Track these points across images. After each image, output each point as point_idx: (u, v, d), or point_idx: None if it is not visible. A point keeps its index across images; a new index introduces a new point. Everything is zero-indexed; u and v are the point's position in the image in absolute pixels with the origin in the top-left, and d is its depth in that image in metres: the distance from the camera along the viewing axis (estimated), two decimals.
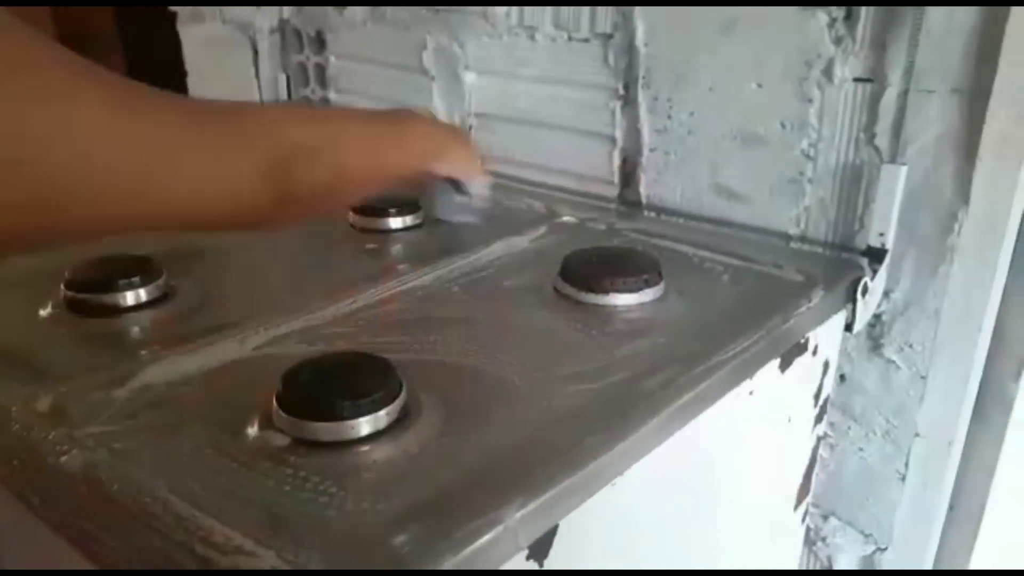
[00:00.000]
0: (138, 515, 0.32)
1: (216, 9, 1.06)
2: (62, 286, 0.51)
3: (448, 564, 0.30)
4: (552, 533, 0.34)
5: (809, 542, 0.69)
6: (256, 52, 1.04)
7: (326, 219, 0.56)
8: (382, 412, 0.38)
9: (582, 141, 0.76)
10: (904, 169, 0.57)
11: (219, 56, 1.09)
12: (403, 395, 0.39)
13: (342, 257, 0.64)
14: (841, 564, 0.69)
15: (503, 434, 0.39)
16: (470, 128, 0.85)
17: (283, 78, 1.01)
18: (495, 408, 0.41)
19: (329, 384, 0.38)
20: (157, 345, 0.47)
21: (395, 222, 0.68)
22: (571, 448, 0.36)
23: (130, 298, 0.52)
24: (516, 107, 0.80)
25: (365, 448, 0.37)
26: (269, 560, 0.29)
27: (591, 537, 0.37)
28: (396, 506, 0.33)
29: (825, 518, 0.68)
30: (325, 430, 0.37)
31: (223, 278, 0.59)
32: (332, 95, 0.98)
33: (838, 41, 0.59)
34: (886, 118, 0.58)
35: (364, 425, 0.37)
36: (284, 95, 1.02)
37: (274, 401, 0.38)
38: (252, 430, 0.38)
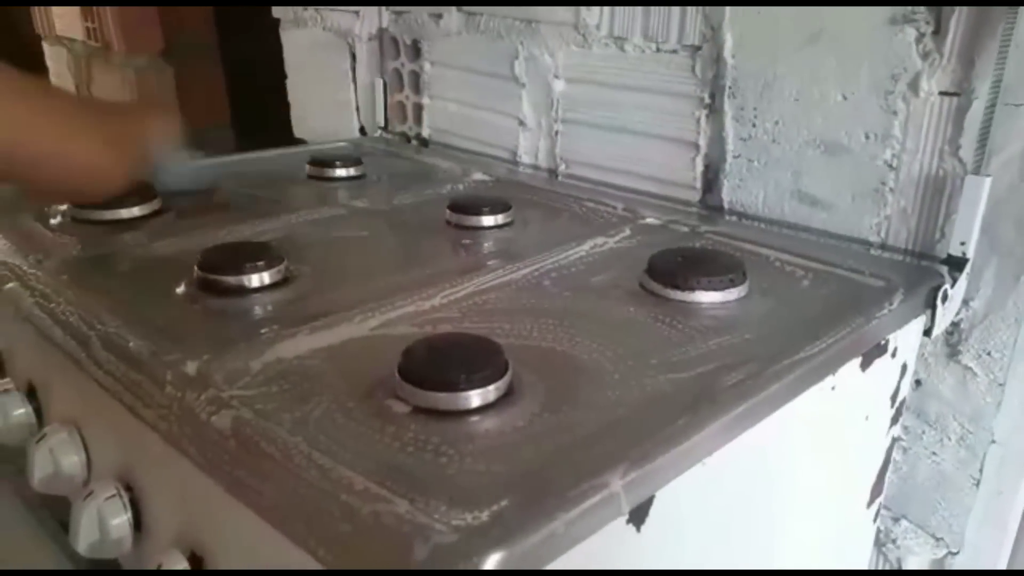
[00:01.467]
0: (285, 466, 0.37)
1: (317, 16, 1.12)
2: (195, 267, 0.57)
3: (559, 520, 0.33)
4: (649, 503, 0.38)
5: (879, 544, 0.71)
6: (354, 57, 1.10)
7: None
8: (491, 387, 0.42)
9: (666, 147, 0.79)
10: (988, 181, 0.59)
11: (318, 60, 1.16)
12: (509, 373, 0.43)
13: (441, 251, 0.68)
14: (911, 567, 0.70)
15: (599, 413, 0.42)
16: (556, 134, 0.89)
17: (380, 83, 1.06)
18: (590, 390, 0.45)
19: (445, 360, 0.43)
20: (279, 324, 0.51)
21: (488, 220, 0.72)
22: (666, 427, 0.40)
23: (255, 280, 0.57)
24: (602, 114, 0.84)
25: (476, 418, 0.41)
26: (403, 507, 0.33)
27: (682, 510, 0.40)
28: (508, 468, 0.37)
29: (896, 520, 0.70)
30: (443, 399, 0.41)
31: (336, 266, 0.64)
32: (425, 100, 1.03)
33: (925, 55, 0.61)
34: (971, 131, 0.59)
35: (476, 397, 0.41)
36: (380, 99, 1.07)
37: (396, 373, 0.42)
38: (375, 399, 0.42)
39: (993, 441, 0.63)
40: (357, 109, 1.14)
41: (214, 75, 1.67)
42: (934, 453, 0.66)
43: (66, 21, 1.78)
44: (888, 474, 0.66)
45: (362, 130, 1.14)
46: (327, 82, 1.15)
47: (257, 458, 0.38)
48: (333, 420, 0.41)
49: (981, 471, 0.64)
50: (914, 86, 0.62)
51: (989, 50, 0.57)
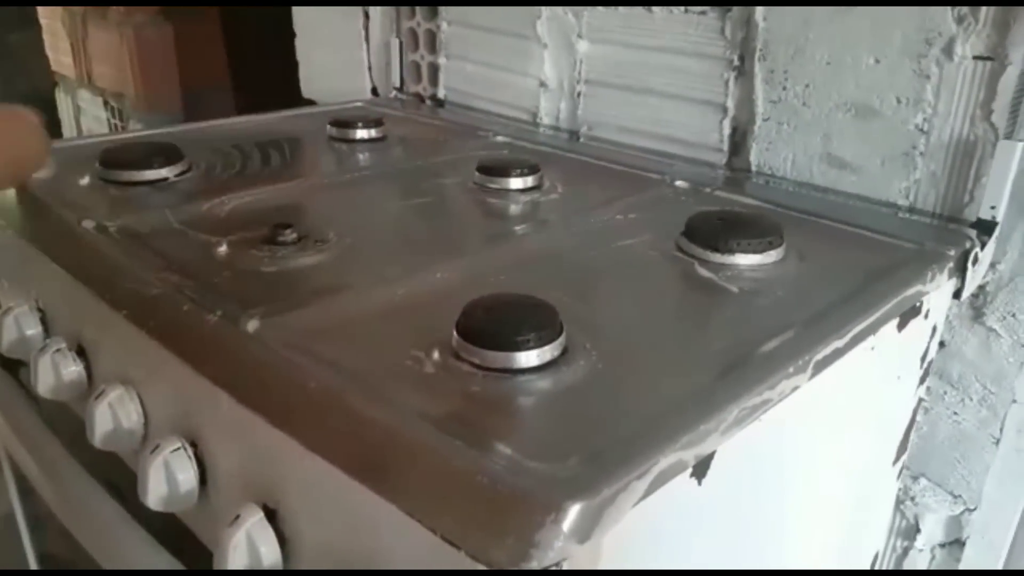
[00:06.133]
0: (361, 418, 0.38)
1: None
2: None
3: (633, 474, 0.34)
4: (710, 457, 0.39)
5: (898, 502, 0.73)
6: (367, 17, 1.08)
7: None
8: (547, 347, 0.42)
9: (693, 109, 0.79)
10: (1020, 145, 0.59)
11: (329, 20, 1.14)
12: (564, 334, 0.44)
13: (471, 215, 0.68)
14: (928, 524, 0.72)
15: (651, 373, 0.43)
16: (579, 95, 0.88)
17: (395, 43, 1.05)
18: (639, 351, 0.46)
19: (503, 320, 0.43)
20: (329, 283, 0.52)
21: (516, 183, 0.72)
22: (719, 385, 0.41)
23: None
24: (628, 75, 0.83)
25: (533, 376, 0.42)
26: (490, 459, 0.34)
27: (739, 464, 0.41)
28: (573, 423, 0.38)
29: (915, 479, 0.72)
30: (503, 358, 0.41)
31: (370, 232, 0.64)
32: (442, 60, 1.02)
33: (960, 20, 0.61)
34: (1004, 96, 0.60)
35: (534, 356, 0.42)
36: (396, 60, 1.06)
37: (455, 332, 0.43)
38: (435, 356, 0.43)
39: (1014, 401, 0.65)
40: (370, 69, 1.13)
41: (214, 34, 1.65)
42: (955, 413, 0.68)
43: None
44: (912, 432, 0.67)
45: (374, 90, 1.14)
46: (338, 42, 1.14)
47: (334, 411, 0.39)
48: (401, 375, 0.41)
49: (1001, 430, 0.66)
50: (948, 50, 0.62)
51: None
